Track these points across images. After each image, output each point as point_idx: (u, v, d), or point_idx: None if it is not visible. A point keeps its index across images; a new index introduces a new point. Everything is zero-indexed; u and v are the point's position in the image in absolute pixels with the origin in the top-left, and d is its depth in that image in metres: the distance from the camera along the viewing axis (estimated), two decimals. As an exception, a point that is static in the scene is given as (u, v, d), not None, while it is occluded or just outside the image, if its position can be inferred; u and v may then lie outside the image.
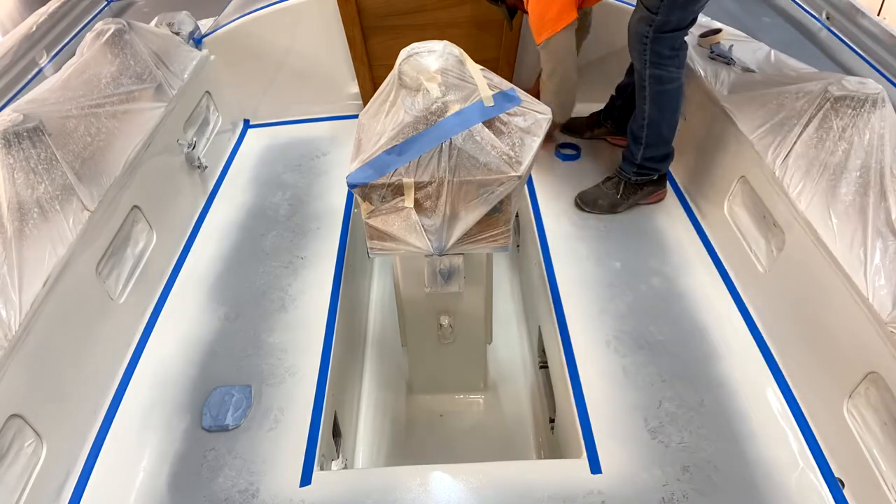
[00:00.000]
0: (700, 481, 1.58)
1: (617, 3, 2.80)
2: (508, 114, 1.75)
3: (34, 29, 2.84)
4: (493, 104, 1.70)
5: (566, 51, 2.39)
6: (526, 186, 2.52)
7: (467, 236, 1.80)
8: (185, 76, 2.57)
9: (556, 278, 2.16)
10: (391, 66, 1.76)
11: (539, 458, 2.33)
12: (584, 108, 3.07)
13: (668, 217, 2.42)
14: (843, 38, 2.89)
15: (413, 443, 2.42)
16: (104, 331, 1.88)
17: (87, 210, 1.82)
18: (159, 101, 2.34)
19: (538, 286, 2.37)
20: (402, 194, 1.72)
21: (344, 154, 2.89)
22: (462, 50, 1.78)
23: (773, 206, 1.91)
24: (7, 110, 1.79)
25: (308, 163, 2.86)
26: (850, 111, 1.74)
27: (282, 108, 3.14)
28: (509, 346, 2.74)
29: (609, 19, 2.84)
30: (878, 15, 3.10)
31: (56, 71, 2.22)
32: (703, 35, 2.61)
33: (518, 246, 3.06)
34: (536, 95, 2.09)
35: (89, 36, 2.26)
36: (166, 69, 2.46)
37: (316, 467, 1.65)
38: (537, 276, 2.37)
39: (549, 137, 2.50)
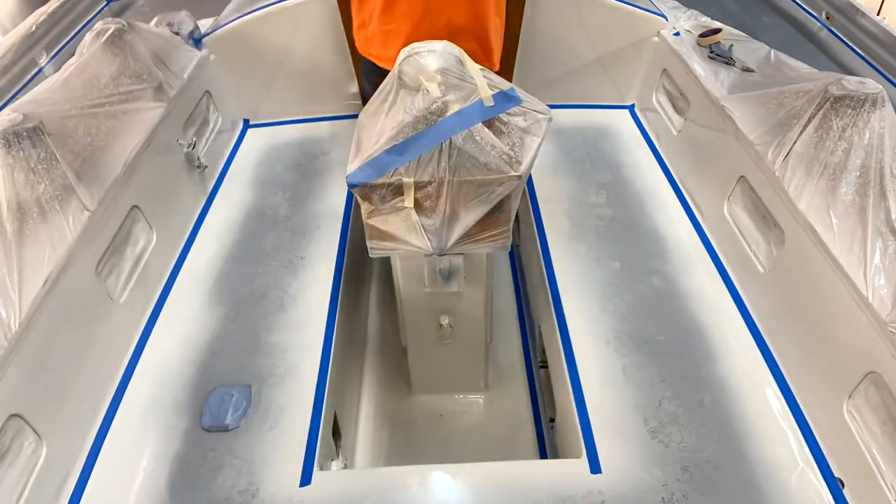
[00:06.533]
0: (700, 481, 1.58)
1: (617, 3, 2.80)
2: (508, 114, 1.75)
3: (34, 29, 2.84)
4: (493, 104, 1.70)
5: None
6: (526, 186, 2.52)
7: (467, 236, 1.80)
8: (185, 76, 2.57)
9: (555, 278, 2.16)
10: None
11: (539, 458, 2.33)
12: (585, 108, 3.08)
13: (668, 217, 2.42)
14: (843, 38, 2.89)
15: (413, 443, 2.42)
16: (104, 331, 1.88)
17: (87, 210, 1.82)
18: (159, 101, 2.34)
19: (538, 286, 2.37)
20: (402, 194, 1.72)
21: (344, 154, 2.87)
22: (462, 50, 1.78)
23: (773, 206, 1.91)
24: (7, 110, 1.78)
25: (308, 163, 2.85)
26: (849, 111, 1.73)
27: (282, 108, 3.13)
28: (509, 346, 2.74)
29: (609, 19, 2.85)
30: (878, 15, 3.10)
31: (56, 71, 2.21)
32: (702, 35, 2.61)
33: (518, 246, 3.06)
34: None
35: (89, 36, 2.25)
36: (166, 69, 2.46)
37: (316, 467, 1.65)
38: (537, 276, 2.37)
39: None
